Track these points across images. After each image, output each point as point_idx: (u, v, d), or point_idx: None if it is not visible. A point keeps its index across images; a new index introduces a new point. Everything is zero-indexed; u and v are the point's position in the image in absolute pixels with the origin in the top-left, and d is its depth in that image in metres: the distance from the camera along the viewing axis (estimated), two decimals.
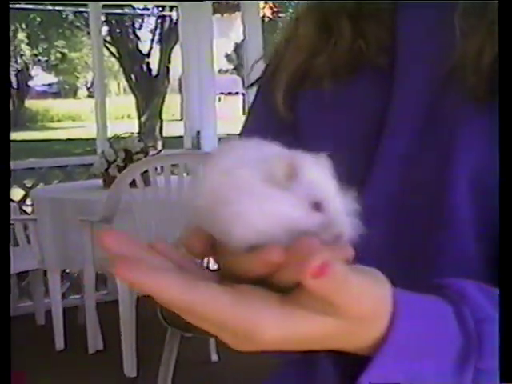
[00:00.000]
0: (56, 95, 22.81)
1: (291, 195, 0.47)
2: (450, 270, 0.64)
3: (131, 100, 14.81)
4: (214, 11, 5.39)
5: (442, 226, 0.65)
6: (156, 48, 14.14)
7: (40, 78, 21.17)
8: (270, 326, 0.45)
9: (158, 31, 14.29)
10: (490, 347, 0.53)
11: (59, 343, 3.57)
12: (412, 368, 0.51)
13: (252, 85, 0.85)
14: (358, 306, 0.46)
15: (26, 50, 17.65)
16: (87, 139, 12.58)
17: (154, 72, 13.86)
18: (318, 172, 0.48)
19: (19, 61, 17.81)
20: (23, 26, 16.05)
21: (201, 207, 0.49)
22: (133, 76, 13.95)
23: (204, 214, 0.48)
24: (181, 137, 5.28)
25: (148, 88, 13.69)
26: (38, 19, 16.06)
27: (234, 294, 0.45)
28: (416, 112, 0.69)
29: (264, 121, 0.82)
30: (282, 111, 0.77)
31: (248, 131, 0.84)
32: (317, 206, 0.47)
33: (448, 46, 0.68)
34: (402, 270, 0.53)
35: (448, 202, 0.65)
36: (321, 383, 0.72)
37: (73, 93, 22.90)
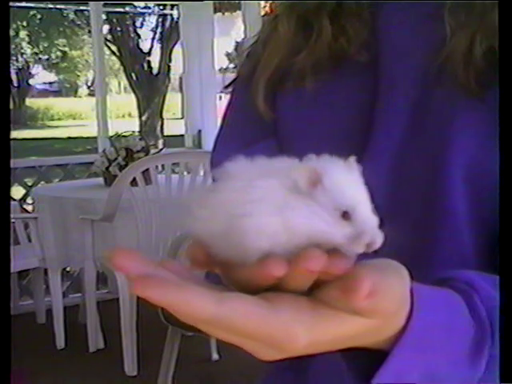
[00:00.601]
0: (57, 93, 22.79)
1: (315, 204, 0.45)
2: (445, 261, 0.65)
3: (132, 99, 14.80)
4: (215, 10, 5.38)
5: (435, 219, 0.66)
6: (157, 46, 14.13)
7: (41, 76, 21.16)
8: (303, 334, 0.44)
9: (158, 30, 14.28)
10: (493, 340, 0.53)
11: (60, 342, 3.57)
12: (428, 360, 0.51)
13: (229, 85, 0.85)
14: (392, 306, 0.46)
15: (27, 49, 17.64)
16: (88, 138, 12.59)
17: (155, 70, 13.85)
18: (344, 178, 0.46)
19: (20, 59, 17.81)
20: (24, 24, 16.04)
21: (210, 221, 0.47)
22: (133, 74, 13.94)
23: (214, 227, 0.46)
24: (182, 135, 5.28)
25: (149, 86, 13.67)
26: (39, 17, 16.06)
27: (264, 304, 0.44)
28: (403, 108, 0.69)
29: (244, 122, 0.81)
30: (263, 111, 0.77)
31: (227, 133, 0.84)
32: (344, 215, 0.45)
33: (434, 41, 0.68)
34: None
35: (441, 195, 0.65)
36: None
37: (73, 91, 22.88)
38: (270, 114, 0.77)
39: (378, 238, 0.45)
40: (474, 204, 0.64)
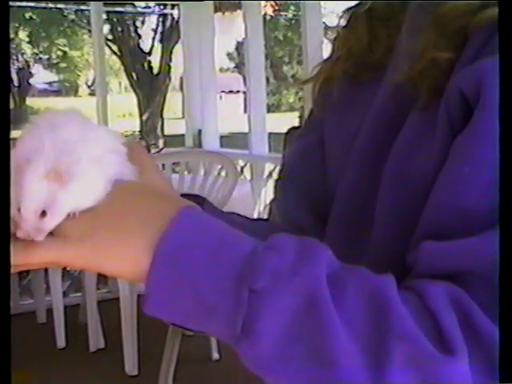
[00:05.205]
0: (57, 93, 22.80)
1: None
2: (375, 256, 0.68)
3: (132, 98, 14.80)
4: (216, 9, 5.38)
5: (369, 218, 0.69)
6: (157, 46, 14.13)
7: (41, 76, 21.16)
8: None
9: (159, 29, 14.28)
10: (266, 271, 0.53)
11: (60, 341, 3.57)
12: (194, 282, 0.53)
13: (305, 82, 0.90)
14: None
15: (27, 49, 17.65)
16: None
17: (156, 70, 13.86)
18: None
19: (20, 59, 17.82)
20: (24, 24, 16.04)
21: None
22: (134, 74, 13.94)
23: None
24: (182, 135, 5.28)
25: (149, 86, 13.68)
26: (39, 17, 16.06)
27: None
28: (381, 115, 0.72)
29: (311, 117, 0.88)
30: (314, 106, 0.85)
31: (304, 127, 0.90)
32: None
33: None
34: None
35: (376, 194, 0.68)
36: None
37: (74, 91, 22.90)
38: (317, 112, 0.84)
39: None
40: (403, 203, 0.65)
